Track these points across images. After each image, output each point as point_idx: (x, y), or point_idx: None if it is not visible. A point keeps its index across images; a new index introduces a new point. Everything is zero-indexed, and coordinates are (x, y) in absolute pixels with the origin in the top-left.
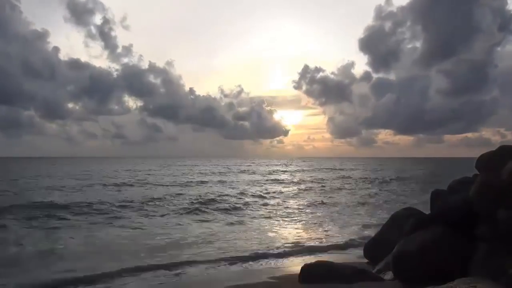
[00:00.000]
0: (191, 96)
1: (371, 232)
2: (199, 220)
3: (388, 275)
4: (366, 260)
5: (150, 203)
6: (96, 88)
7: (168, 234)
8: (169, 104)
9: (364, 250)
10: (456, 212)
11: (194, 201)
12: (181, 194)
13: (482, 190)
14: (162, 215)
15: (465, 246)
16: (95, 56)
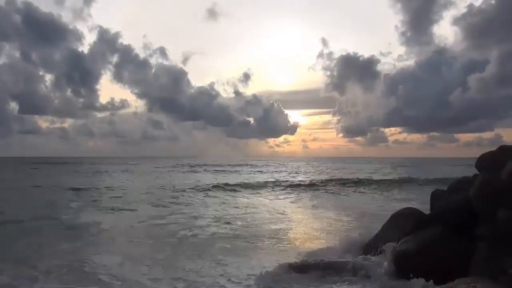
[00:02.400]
0: (191, 90)
1: None
2: None
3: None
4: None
5: None
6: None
7: None
8: (167, 97)
9: (364, 249)
10: (456, 212)
11: None
12: None
13: (482, 190)
14: None
15: (465, 246)
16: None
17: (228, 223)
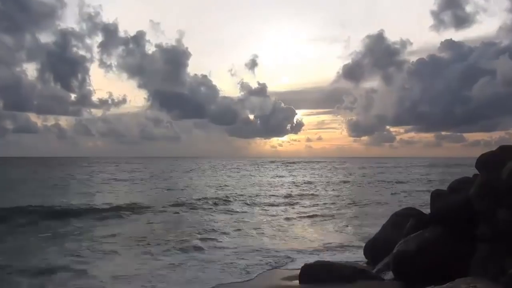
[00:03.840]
0: (192, 83)
1: None
2: None
3: (388, 275)
4: (366, 260)
5: None
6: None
7: None
8: (166, 91)
9: (364, 250)
10: (456, 212)
11: None
12: None
13: (482, 190)
14: None
15: (465, 246)
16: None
17: None
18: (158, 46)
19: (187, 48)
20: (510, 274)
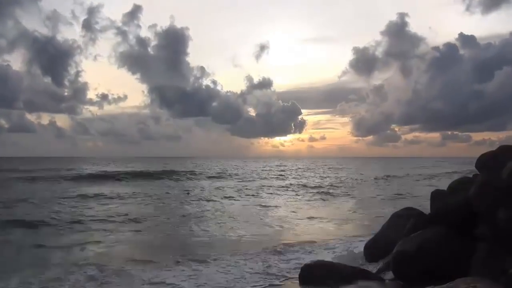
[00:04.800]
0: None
1: None
2: None
3: (388, 275)
4: (366, 260)
5: None
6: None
7: None
8: (165, 87)
9: (364, 250)
10: (456, 212)
11: None
12: None
13: (482, 190)
14: None
15: (465, 246)
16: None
17: None
18: (152, 27)
19: (187, 29)
20: (510, 274)
